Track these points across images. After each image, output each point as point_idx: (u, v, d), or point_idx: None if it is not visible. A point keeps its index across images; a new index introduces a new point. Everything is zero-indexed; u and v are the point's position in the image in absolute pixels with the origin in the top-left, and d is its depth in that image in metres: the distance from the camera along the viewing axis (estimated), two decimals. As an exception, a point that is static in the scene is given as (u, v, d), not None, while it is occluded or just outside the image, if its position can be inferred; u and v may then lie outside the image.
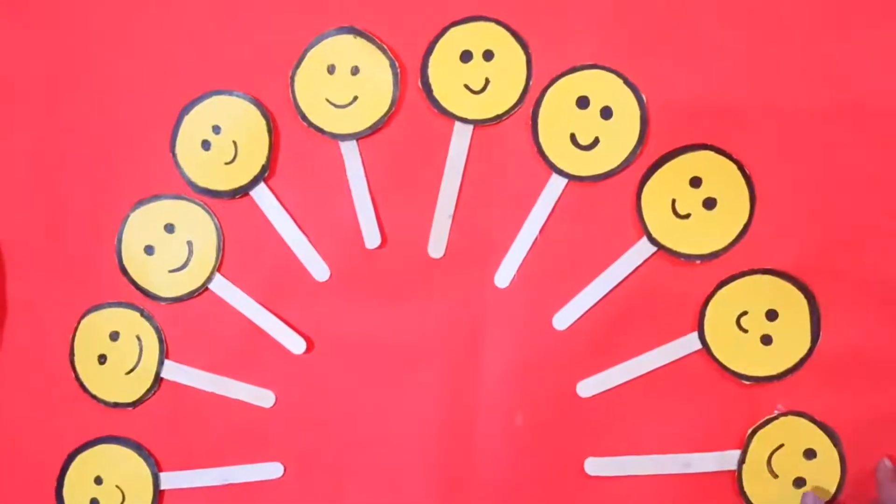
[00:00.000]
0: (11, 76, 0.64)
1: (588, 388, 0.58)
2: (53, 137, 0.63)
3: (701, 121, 0.56)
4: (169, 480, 0.61)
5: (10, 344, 0.63)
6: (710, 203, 0.57)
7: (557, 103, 0.58)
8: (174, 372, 0.61)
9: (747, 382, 0.56)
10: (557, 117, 0.58)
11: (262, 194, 0.60)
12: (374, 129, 0.59)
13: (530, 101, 0.58)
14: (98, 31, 0.63)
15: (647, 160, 0.57)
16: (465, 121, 0.58)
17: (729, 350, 0.56)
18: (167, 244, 0.61)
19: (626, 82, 0.57)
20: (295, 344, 0.60)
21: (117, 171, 0.62)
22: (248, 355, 0.61)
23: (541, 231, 0.58)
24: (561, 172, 0.58)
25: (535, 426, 0.59)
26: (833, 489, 0.56)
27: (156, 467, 0.61)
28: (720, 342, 0.56)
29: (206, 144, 0.60)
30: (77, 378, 0.62)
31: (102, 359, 0.62)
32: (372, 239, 0.60)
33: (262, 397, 0.60)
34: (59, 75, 0.63)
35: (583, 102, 0.57)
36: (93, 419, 0.62)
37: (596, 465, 0.58)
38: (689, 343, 0.57)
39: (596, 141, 0.58)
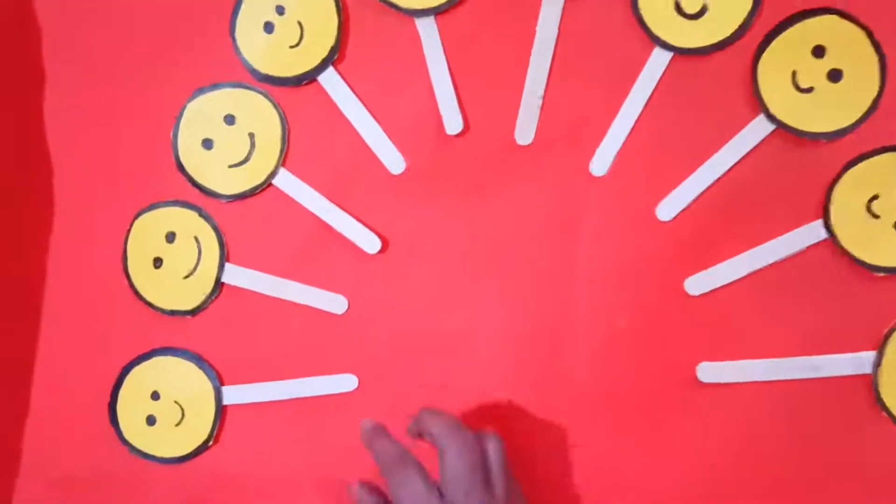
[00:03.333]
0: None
1: (698, 284, 0.51)
2: (105, 24, 0.56)
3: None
4: (232, 395, 0.54)
5: (57, 248, 0.56)
6: (835, 75, 0.49)
7: (660, -32, 0.51)
8: (236, 276, 0.54)
9: (880, 274, 0.48)
10: (660, -17, 0.51)
11: (330, 80, 0.53)
12: (454, 1, 0.52)
13: (629, -35, 0.51)
14: None
15: (762, 28, 0.49)
16: (555, -9, 0.52)
17: (858, 238, 0.49)
18: (227, 137, 0.54)
19: (740, -59, 0.50)
20: (369, 243, 0.53)
21: (172, 60, 0.55)
22: (316, 257, 0.54)
23: (642, 111, 0.51)
24: (665, 45, 0.50)
25: (638, 329, 0.51)
26: None
27: (217, 381, 0.54)
28: (848, 230, 0.49)
29: (268, 27, 0.53)
30: (131, 284, 0.55)
31: (158, 262, 0.55)
32: (453, 124, 0.52)
33: (333, 302, 0.53)
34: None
35: (689, -35, 0.51)
36: (148, 329, 0.55)
37: (710, 371, 0.51)
38: (812, 232, 0.49)
39: (703, 9, 0.50)
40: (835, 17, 0.49)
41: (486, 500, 0.43)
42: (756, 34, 0.50)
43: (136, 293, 0.55)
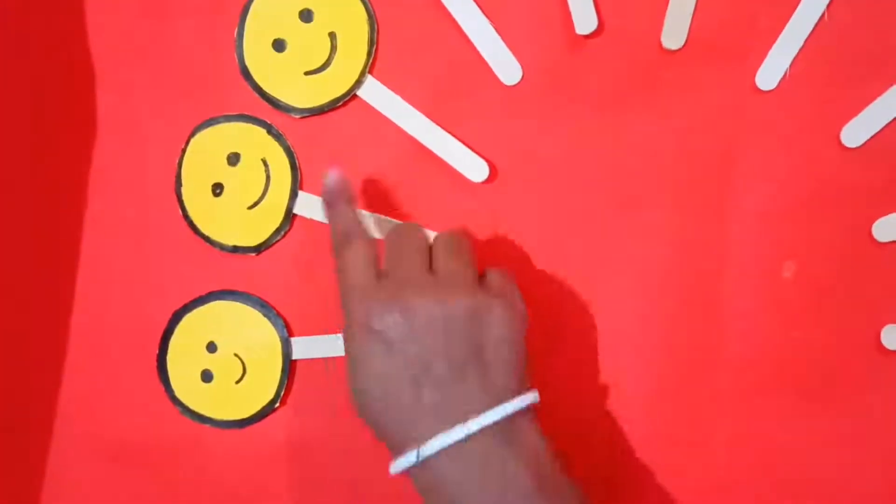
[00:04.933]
0: None
1: (889, 229, 0.40)
2: None
3: None
4: (302, 348, 0.44)
5: (99, 170, 0.46)
6: None
7: None
8: (311, 207, 0.44)
9: None
10: None
11: (432, -36, 0.44)
12: None
13: None
14: None
15: None
16: None
17: None
18: (302, 37, 0.44)
19: None
20: (475, 169, 0.43)
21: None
22: (409, 185, 0.44)
23: (828, 8, 0.40)
24: (862, -78, 0.41)
25: (810, 281, 0.41)
26: None
27: (285, 331, 0.44)
28: None
29: None
30: (185, 214, 0.45)
31: (218, 188, 0.45)
32: (585, 21, 0.41)
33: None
34: None
35: None
36: (205, 268, 0.45)
37: (899, 337, 0.42)
38: None
39: None
40: None
41: (423, 274, 0.37)
42: None
43: (191, 225, 0.45)
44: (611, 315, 0.43)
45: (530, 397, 0.36)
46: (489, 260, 0.43)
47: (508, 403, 0.35)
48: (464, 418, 0.35)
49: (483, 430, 0.35)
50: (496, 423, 0.35)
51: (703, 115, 0.41)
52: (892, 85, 0.40)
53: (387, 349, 0.36)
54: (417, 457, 0.34)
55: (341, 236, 0.40)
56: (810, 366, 0.41)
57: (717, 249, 0.42)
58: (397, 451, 0.36)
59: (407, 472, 0.36)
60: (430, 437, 0.35)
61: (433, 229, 0.43)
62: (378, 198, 0.44)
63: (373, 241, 0.39)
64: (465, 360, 0.35)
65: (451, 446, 0.34)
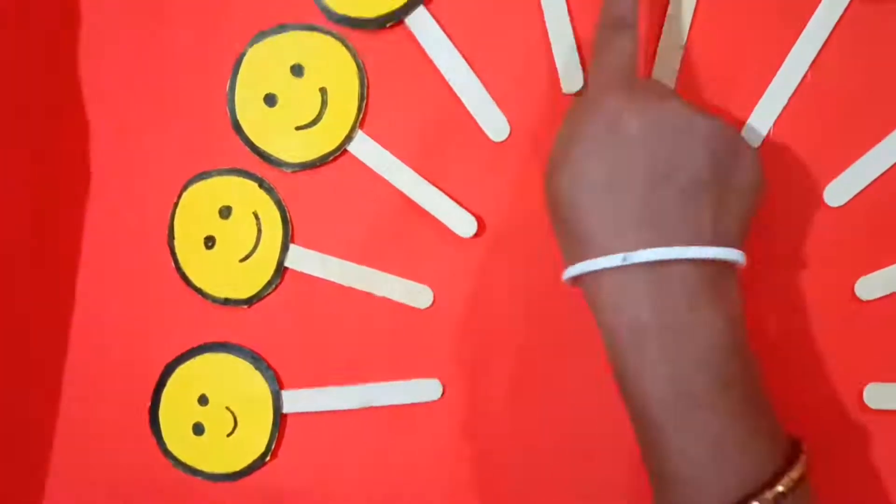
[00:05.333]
0: None
1: (871, 286, 0.40)
2: None
3: None
4: (293, 401, 0.45)
5: (93, 223, 0.47)
6: None
7: None
8: (302, 259, 0.44)
9: None
10: None
11: (420, 21, 0.43)
12: (577, -74, 0.42)
13: None
14: None
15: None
16: (705, -87, 0.41)
17: None
18: (294, 92, 0.44)
19: None
20: (463, 223, 0.43)
21: (228, -3, 0.46)
22: (397, 239, 0.44)
23: (811, 66, 0.40)
24: (846, -20, 0.40)
25: (794, 338, 0.41)
26: None
27: (276, 384, 0.45)
28: None
29: (345, -42, 0.45)
30: (177, 267, 0.46)
31: (210, 241, 0.45)
32: (572, 80, 0.42)
33: (416, 294, 0.44)
34: None
35: None
36: (197, 320, 0.46)
37: (880, 394, 0.40)
38: None
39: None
40: None
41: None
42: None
43: (184, 277, 0.45)
44: (599, 363, 0.43)
45: (743, 258, 0.34)
46: (475, 310, 0.44)
47: (732, 250, 0.34)
48: (684, 241, 0.33)
49: (697, 263, 0.33)
50: (713, 262, 0.33)
51: (689, 172, 0.42)
52: (874, 144, 0.40)
53: (629, 143, 0.33)
54: (623, 260, 0.33)
55: (615, 20, 0.37)
56: (795, 424, 0.41)
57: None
58: (596, 250, 0.34)
59: (580, 283, 0.35)
60: (644, 246, 0.33)
61: (422, 283, 0.44)
62: (368, 251, 0.45)
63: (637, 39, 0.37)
64: (707, 185, 0.33)
65: (658, 262, 0.33)
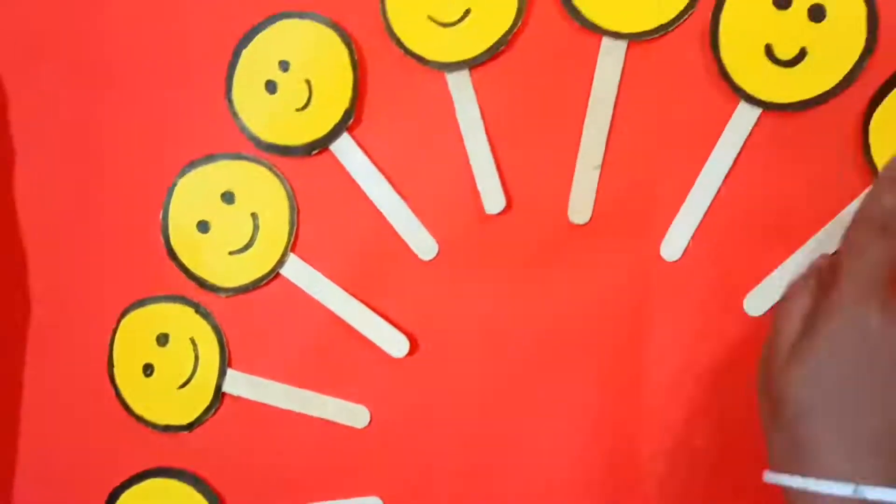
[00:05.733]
0: (35, 27, 0.49)
1: (798, 394, 0.43)
2: (81, 90, 0.47)
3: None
4: (237, 524, 0.46)
5: (35, 352, 0.48)
6: (972, 133, 0.40)
7: (747, 3, 0.40)
8: (239, 384, 0.45)
9: None
10: (747, 23, 0.40)
11: (345, 148, 0.44)
12: (493, 53, 0.42)
13: (707, 2, 0.40)
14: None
15: (876, 76, 0.39)
16: (616, 35, 0.41)
17: None
18: (226, 218, 0.45)
19: (847, -35, 0.39)
20: (395, 344, 0.44)
21: (159, 128, 0.46)
22: (333, 360, 0.45)
23: (724, 182, 0.41)
24: (752, 99, 0.40)
25: (719, 445, 0.41)
26: None
27: (220, 506, 0.47)
28: None
29: (271, 86, 0.44)
30: (118, 395, 0.46)
31: (149, 369, 0.46)
32: (493, 201, 0.43)
33: (353, 414, 0.44)
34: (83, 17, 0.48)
35: (782, 0, 0.39)
36: (140, 447, 0.46)
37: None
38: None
39: (802, 53, 0.39)
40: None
41: None
42: (868, 83, 0.39)
43: (125, 405, 0.46)
44: (536, 477, 0.44)
45: None
46: (411, 428, 0.44)
47: None
48: None
49: None
50: None
51: (612, 287, 0.42)
52: (790, 254, 0.41)
53: (877, 346, 0.31)
54: (854, 492, 0.30)
55: (879, 222, 0.33)
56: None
57: (630, 420, 0.42)
58: (822, 468, 0.31)
59: (789, 492, 0.32)
60: (880, 479, 0.30)
61: (359, 403, 0.44)
62: (305, 373, 0.45)
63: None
64: None
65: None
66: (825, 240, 0.40)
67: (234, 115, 0.45)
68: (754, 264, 0.41)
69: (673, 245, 0.42)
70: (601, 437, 0.43)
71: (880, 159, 0.39)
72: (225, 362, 0.46)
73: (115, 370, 0.46)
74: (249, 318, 0.46)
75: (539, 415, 0.43)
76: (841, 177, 0.40)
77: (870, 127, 0.40)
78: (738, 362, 0.41)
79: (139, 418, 0.46)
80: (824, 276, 0.35)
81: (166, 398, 0.46)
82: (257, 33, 0.44)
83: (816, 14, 0.40)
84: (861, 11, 0.39)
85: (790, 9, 0.40)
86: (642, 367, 0.42)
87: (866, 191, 0.36)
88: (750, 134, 0.41)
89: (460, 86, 0.43)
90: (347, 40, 0.44)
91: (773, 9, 0.40)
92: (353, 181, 0.44)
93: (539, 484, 0.43)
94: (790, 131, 0.40)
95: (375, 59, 0.44)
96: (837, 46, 0.40)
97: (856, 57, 0.39)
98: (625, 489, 0.42)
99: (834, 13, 0.40)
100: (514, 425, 0.44)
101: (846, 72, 0.40)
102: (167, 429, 0.46)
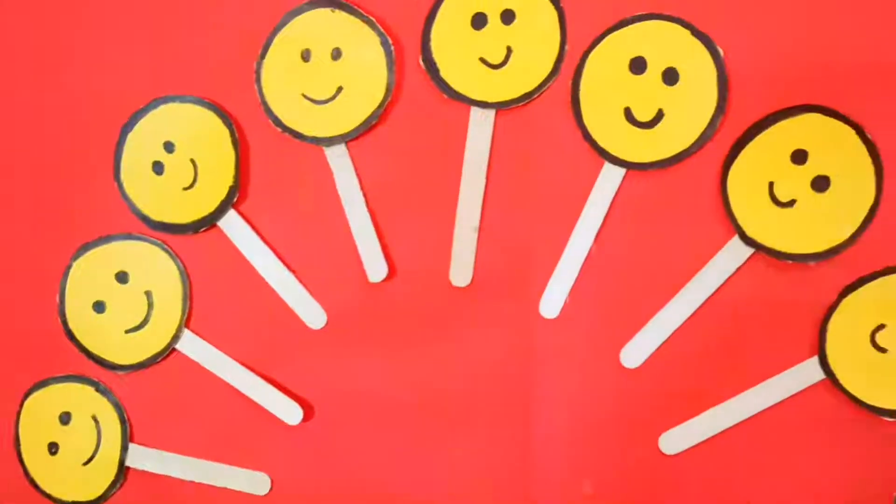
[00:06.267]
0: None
1: (674, 441, 0.42)
2: None
3: (801, 79, 0.40)
4: None
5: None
6: (821, 183, 0.40)
7: (604, 70, 0.42)
8: (142, 458, 0.46)
9: (891, 419, 0.39)
10: (605, 88, 0.42)
11: (232, 224, 0.45)
12: (367, 126, 0.43)
13: (567, 70, 0.42)
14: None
15: (730, 134, 0.41)
16: (483, 105, 0.43)
17: (862, 377, 0.40)
18: (120, 298, 0.46)
19: (695, 33, 0.40)
20: (290, 412, 0.45)
21: (52, 211, 0.47)
22: (232, 431, 0.46)
23: (595, 240, 0.43)
24: (615, 160, 0.42)
25: (607, 495, 0.43)
26: None
27: (130, 579, 0.48)
28: (850, 368, 0.40)
29: (157, 167, 0.45)
30: (26, 473, 0.47)
31: (53, 448, 0.47)
32: (376, 270, 0.44)
33: (255, 482, 0.45)
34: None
35: (638, 65, 0.41)
36: (49, 524, 0.48)
37: (695, 544, 0.44)
38: (806, 372, 0.41)
39: (659, 115, 0.41)
40: (817, 116, 0.40)
41: None
42: (723, 141, 0.41)
43: (33, 483, 0.47)
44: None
45: None
46: (312, 492, 0.45)
47: None
48: None
49: None
50: None
51: (496, 346, 0.44)
52: (660, 307, 0.43)
53: None
54: None
55: None
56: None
57: (521, 471, 0.43)
58: None
59: None
60: None
61: (260, 470, 0.45)
62: (206, 444, 0.46)
63: None
64: None
65: None
66: (693, 289, 0.42)
67: (124, 196, 0.46)
68: (629, 318, 0.43)
69: (551, 303, 0.44)
70: (493, 495, 0.44)
71: (740, 212, 0.41)
72: (127, 437, 0.47)
73: (22, 449, 0.47)
74: (149, 394, 0.46)
75: (432, 474, 0.44)
76: (704, 230, 0.42)
77: (727, 182, 0.42)
78: (618, 413, 0.43)
79: (47, 496, 0.47)
80: None
81: (72, 475, 0.47)
82: (141, 116, 0.46)
83: (670, 77, 0.42)
84: (712, 74, 0.41)
85: (645, 73, 0.42)
86: (529, 423, 0.44)
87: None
88: (616, 193, 0.42)
89: (338, 159, 0.44)
90: (227, 120, 0.45)
91: (629, 73, 0.42)
92: (241, 255, 0.45)
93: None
94: (654, 189, 0.42)
95: (256, 136, 0.45)
96: (691, 107, 0.42)
97: (709, 116, 0.41)
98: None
99: (686, 76, 0.42)
100: (409, 486, 0.45)
101: (701, 130, 0.41)
102: (74, 505, 0.47)
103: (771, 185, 0.41)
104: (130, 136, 0.46)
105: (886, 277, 0.40)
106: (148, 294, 0.46)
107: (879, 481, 0.40)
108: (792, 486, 0.41)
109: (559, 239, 0.43)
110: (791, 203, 0.41)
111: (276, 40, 0.44)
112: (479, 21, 0.43)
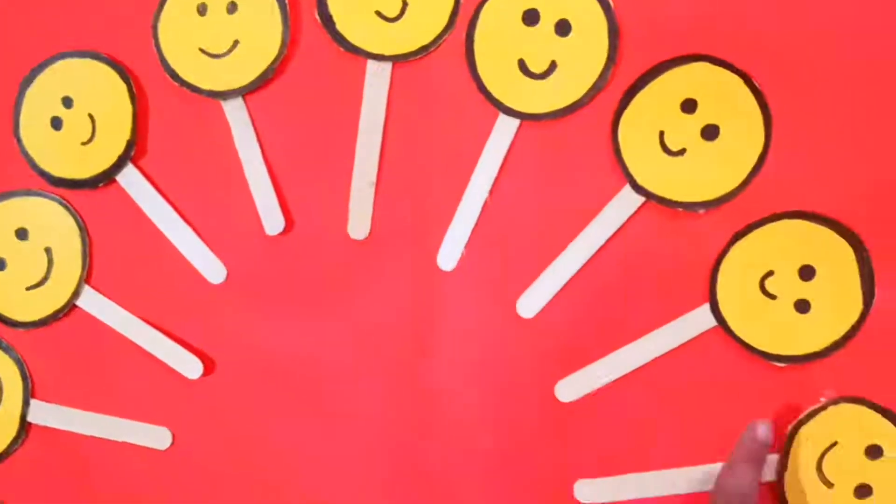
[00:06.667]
0: None
1: (569, 389, 0.43)
2: None
3: (690, 29, 0.40)
4: (48, 554, 0.47)
5: None
6: (710, 132, 0.40)
7: (498, 22, 0.42)
8: (44, 414, 0.46)
9: (780, 364, 0.40)
10: (499, 40, 0.42)
11: (131, 179, 0.45)
12: (264, 80, 0.43)
13: (462, 23, 0.42)
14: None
15: (621, 84, 0.41)
16: (380, 58, 0.43)
17: (753, 324, 0.41)
18: (20, 254, 0.46)
19: (585, -17, 0.42)
20: (190, 367, 0.45)
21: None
22: (133, 386, 0.46)
23: (491, 191, 0.43)
24: (510, 111, 0.42)
25: (505, 444, 0.43)
26: (912, 496, 0.41)
27: (31, 537, 0.47)
28: (740, 314, 0.41)
29: (56, 122, 0.45)
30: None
31: (-45, 405, 0.47)
32: (273, 223, 0.44)
33: (156, 437, 0.45)
34: None
35: (531, 17, 0.41)
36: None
37: (589, 490, 0.42)
38: (698, 319, 0.41)
39: (552, 66, 0.41)
40: (706, 66, 0.40)
41: None
42: (614, 92, 0.41)
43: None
44: (330, 490, 0.44)
45: None
46: (213, 446, 0.45)
47: None
48: None
49: None
50: None
51: (394, 298, 0.44)
52: (556, 256, 0.43)
53: None
54: None
55: (737, 497, 0.39)
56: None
57: (421, 422, 0.44)
58: None
59: None
60: None
61: (161, 425, 0.45)
62: (107, 399, 0.46)
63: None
64: None
65: None
66: (586, 239, 0.42)
67: (24, 152, 0.46)
68: (525, 268, 0.43)
69: (448, 255, 0.44)
70: (391, 443, 0.44)
71: (631, 161, 0.41)
72: (28, 393, 0.46)
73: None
74: (50, 350, 0.46)
75: (332, 425, 0.45)
76: (597, 180, 0.42)
77: (619, 131, 0.42)
78: (514, 363, 0.43)
79: (-53, 454, 0.47)
80: None
81: (-27, 433, 0.47)
82: (39, 72, 0.46)
83: (563, 29, 0.42)
84: (602, 25, 0.41)
85: (538, 25, 0.42)
86: (428, 373, 0.44)
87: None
88: (511, 144, 0.43)
89: (235, 112, 0.44)
90: (125, 75, 0.45)
91: (523, 25, 0.42)
92: (140, 210, 0.45)
93: (333, 492, 0.44)
94: (548, 140, 0.42)
95: (154, 90, 0.45)
96: (583, 58, 0.42)
97: (601, 67, 0.42)
98: (415, 492, 0.44)
99: (578, 27, 0.42)
100: (311, 437, 0.45)
101: (593, 81, 0.42)
102: (-25, 464, 0.47)
103: (661, 134, 0.41)
104: (28, 92, 0.45)
105: (775, 223, 0.41)
106: (48, 251, 0.46)
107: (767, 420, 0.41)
108: (685, 431, 0.41)
109: (456, 191, 0.43)
110: (681, 152, 0.41)
111: (172, -6, 0.45)
112: (374, -26, 0.44)
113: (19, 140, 0.46)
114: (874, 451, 0.40)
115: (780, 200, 0.40)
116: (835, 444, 0.40)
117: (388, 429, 0.44)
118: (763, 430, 0.39)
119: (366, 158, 0.43)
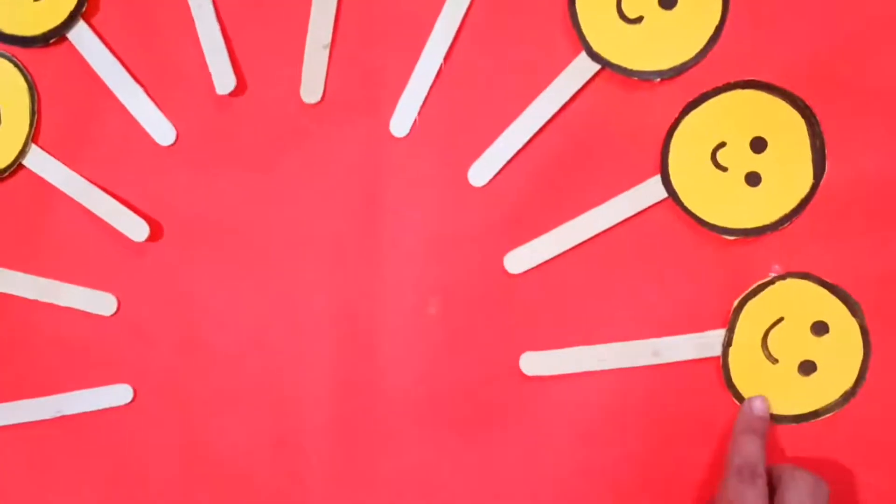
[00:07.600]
0: None
1: (519, 260, 0.42)
2: None
3: None
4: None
5: None
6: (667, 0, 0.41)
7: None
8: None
9: (729, 237, 0.39)
10: None
11: (81, 36, 0.44)
12: (219, -64, 0.43)
13: None
14: None
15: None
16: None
17: (703, 196, 0.40)
18: (-33, 112, 0.46)
19: None
20: (136, 229, 0.44)
21: None
22: (78, 249, 0.45)
23: (445, 58, 0.42)
24: (458, -20, 0.42)
25: (453, 315, 0.42)
26: (853, 376, 0.42)
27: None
28: (691, 186, 0.40)
29: (7, -22, 0.45)
30: None
31: None
32: (224, 82, 0.43)
33: (100, 302, 0.44)
34: None
35: None
36: None
37: (535, 362, 0.42)
38: (649, 191, 0.40)
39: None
40: (662, -71, 0.41)
41: None
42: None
43: None
44: (276, 356, 0.44)
45: None
46: (159, 312, 0.44)
47: None
48: None
49: None
50: None
51: (345, 164, 0.43)
52: (509, 124, 0.42)
53: None
54: None
55: (747, 466, 0.38)
56: (459, 397, 0.42)
57: (369, 290, 0.43)
58: None
59: None
60: None
61: (106, 290, 0.45)
62: (52, 263, 0.45)
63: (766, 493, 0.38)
64: None
65: None
66: (539, 107, 0.41)
67: (-27, 8, 0.45)
68: (477, 137, 0.42)
69: (401, 121, 0.43)
70: (339, 309, 0.43)
71: (587, 28, 0.41)
72: (-26, 255, 0.46)
73: None
74: (-5, 210, 0.46)
75: (280, 289, 0.44)
76: (552, 47, 0.41)
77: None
78: (464, 232, 0.42)
79: None
80: None
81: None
82: (-9, -77, 0.45)
83: None
84: None
85: None
86: (377, 239, 0.43)
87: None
88: (467, 10, 0.42)
89: (189, -30, 0.44)
90: (77, -72, 0.44)
91: None
92: (90, 68, 0.44)
93: (280, 366, 0.44)
94: (504, 6, 0.42)
95: (107, -54, 0.45)
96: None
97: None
98: (362, 359, 0.44)
99: None
100: (259, 302, 0.44)
101: (552, -54, 0.42)
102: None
103: (619, 1, 0.41)
104: (-21, -54, 0.45)
105: (729, 93, 0.40)
106: (-5, 108, 0.45)
107: (718, 297, 0.40)
108: (635, 303, 0.41)
109: (410, 57, 0.42)
110: (639, 19, 0.41)
111: None
112: None
113: (-31, -4, 0.45)
114: (820, 328, 0.40)
115: (737, 72, 0.39)
116: (781, 319, 0.40)
117: (336, 295, 0.43)
118: (759, 403, 0.40)
119: (320, 20, 0.43)
